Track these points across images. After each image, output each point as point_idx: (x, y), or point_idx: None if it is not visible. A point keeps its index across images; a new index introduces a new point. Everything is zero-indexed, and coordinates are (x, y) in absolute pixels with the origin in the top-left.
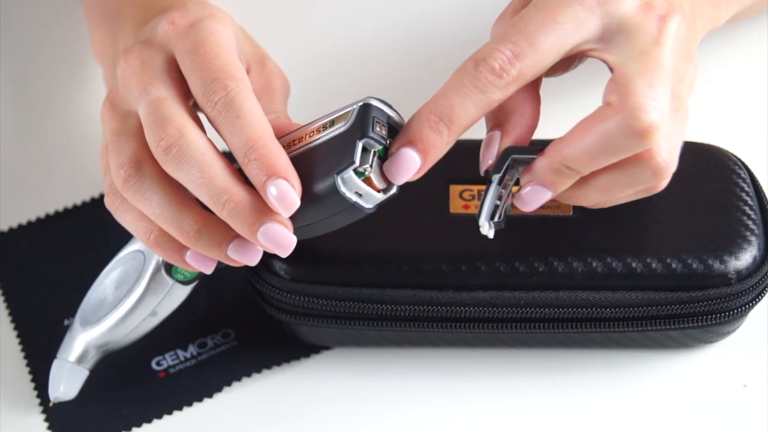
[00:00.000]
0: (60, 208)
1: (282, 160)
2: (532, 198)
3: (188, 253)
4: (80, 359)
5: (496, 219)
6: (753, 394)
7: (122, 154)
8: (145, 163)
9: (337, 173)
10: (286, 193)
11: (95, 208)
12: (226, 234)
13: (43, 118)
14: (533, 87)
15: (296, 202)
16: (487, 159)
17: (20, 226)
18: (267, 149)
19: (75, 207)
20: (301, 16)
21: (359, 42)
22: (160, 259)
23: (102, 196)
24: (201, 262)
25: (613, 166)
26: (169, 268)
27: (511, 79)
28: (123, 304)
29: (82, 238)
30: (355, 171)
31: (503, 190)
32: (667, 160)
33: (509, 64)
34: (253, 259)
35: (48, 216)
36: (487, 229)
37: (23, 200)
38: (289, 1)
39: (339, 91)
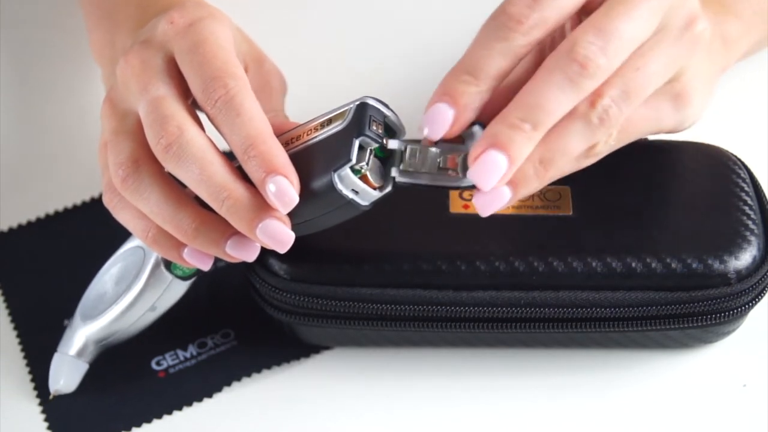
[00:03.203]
0: (60, 208)
1: (281, 157)
2: (486, 167)
3: (186, 250)
4: (80, 353)
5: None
6: (753, 394)
7: (121, 153)
8: (144, 162)
9: (334, 170)
10: (284, 189)
11: (95, 208)
12: (224, 231)
13: (43, 118)
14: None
15: (294, 199)
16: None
17: (20, 226)
18: (266, 146)
19: (75, 207)
20: (299, 16)
21: (357, 42)
22: (159, 255)
23: (102, 196)
24: (198, 258)
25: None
26: (168, 264)
27: (532, 23)
28: (123, 299)
29: (82, 238)
30: (352, 168)
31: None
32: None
33: (528, 9)
34: (251, 255)
35: (48, 216)
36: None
37: (23, 200)
38: (286, 2)
39: (336, 90)
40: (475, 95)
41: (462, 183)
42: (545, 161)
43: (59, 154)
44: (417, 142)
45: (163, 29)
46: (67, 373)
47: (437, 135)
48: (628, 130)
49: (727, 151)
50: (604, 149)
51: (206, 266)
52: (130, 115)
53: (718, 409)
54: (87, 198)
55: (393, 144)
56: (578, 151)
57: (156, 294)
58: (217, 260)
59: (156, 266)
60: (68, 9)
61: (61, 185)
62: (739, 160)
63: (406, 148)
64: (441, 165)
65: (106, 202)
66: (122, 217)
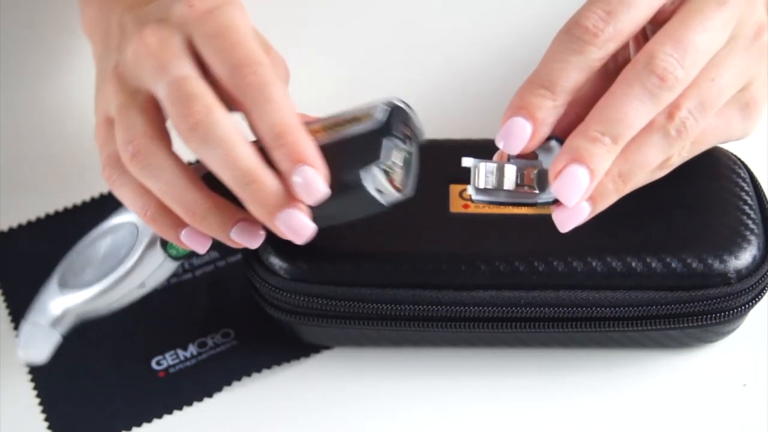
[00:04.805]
0: (60, 208)
1: (311, 148)
2: (569, 182)
3: (183, 231)
4: (55, 323)
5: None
6: (753, 394)
7: (130, 128)
8: (156, 139)
9: (362, 168)
10: (312, 181)
11: (95, 208)
12: (232, 216)
13: (43, 118)
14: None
15: (321, 191)
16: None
17: (20, 226)
18: (296, 136)
19: (75, 207)
20: (296, 11)
21: (355, 38)
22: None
23: (102, 197)
24: (195, 240)
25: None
26: (164, 243)
27: (607, 36)
28: (113, 274)
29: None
30: (380, 168)
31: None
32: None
33: (603, 22)
34: (254, 243)
35: (48, 216)
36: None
37: (23, 200)
38: None
39: (339, 87)
40: (551, 109)
41: (539, 199)
42: (624, 174)
43: (59, 154)
44: (489, 159)
45: (182, 11)
46: (40, 343)
47: (515, 150)
48: (700, 141)
49: (727, 151)
50: (677, 161)
51: (203, 249)
52: (140, 93)
53: (718, 409)
54: (87, 198)
55: (467, 162)
56: (655, 164)
57: (147, 271)
58: (213, 242)
59: (151, 244)
60: (69, 10)
61: (60, 185)
62: (739, 159)
63: (479, 166)
64: (518, 182)
65: (106, 176)
66: (121, 192)
